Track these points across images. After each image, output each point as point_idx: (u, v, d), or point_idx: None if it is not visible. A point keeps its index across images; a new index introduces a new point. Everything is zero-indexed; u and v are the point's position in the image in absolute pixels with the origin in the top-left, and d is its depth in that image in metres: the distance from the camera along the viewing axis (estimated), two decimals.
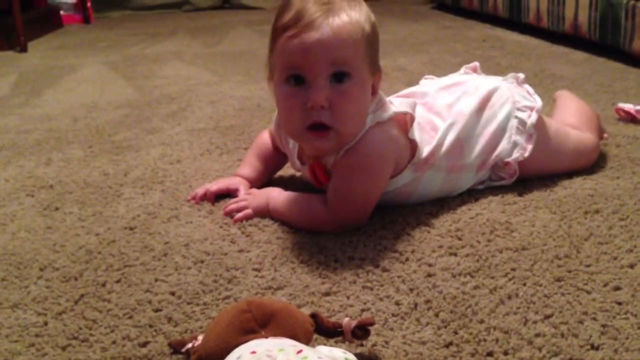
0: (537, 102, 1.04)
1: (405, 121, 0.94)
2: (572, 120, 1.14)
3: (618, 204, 0.95)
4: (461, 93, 1.03)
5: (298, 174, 1.09)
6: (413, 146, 0.94)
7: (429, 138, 0.97)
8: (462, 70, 1.14)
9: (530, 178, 1.04)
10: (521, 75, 1.08)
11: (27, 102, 1.81)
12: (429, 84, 1.09)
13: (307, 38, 0.83)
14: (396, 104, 0.94)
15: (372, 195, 0.92)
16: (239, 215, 0.97)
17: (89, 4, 3.54)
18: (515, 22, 2.52)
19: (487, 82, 1.06)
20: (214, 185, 1.05)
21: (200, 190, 1.05)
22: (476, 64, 1.15)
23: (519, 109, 1.02)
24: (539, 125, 1.03)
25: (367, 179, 0.90)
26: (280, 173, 1.13)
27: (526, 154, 1.01)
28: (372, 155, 0.89)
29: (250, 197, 0.99)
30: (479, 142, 1.00)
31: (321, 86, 0.84)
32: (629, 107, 1.34)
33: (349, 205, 0.90)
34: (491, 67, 1.90)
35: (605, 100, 1.49)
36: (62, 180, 1.18)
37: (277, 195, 0.97)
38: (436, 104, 1.01)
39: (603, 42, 1.93)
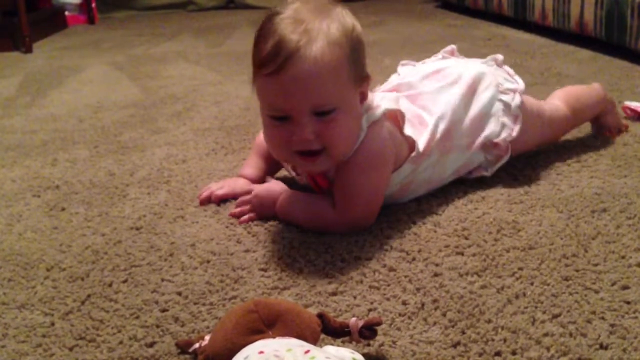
0: (520, 83, 1.06)
1: (397, 117, 0.95)
2: (559, 93, 1.19)
3: (625, 203, 0.95)
4: (445, 82, 1.04)
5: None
6: (410, 142, 0.95)
7: (418, 133, 0.97)
8: (440, 54, 1.15)
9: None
10: (500, 57, 1.10)
11: (32, 102, 1.81)
12: (410, 73, 1.09)
13: (285, 80, 0.81)
14: (378, 99, 0.94)
15: (379, 192, 0.92)
16: (244, 218, 0.97)
17: (93, 5, 3.55)
18: (520, 20, 2.51)
19: (469, 67, 1.06)
20: (219, 191, 1.04)
21: (205, 193, 1.05)
22: (453, 47, 1.16)
23: (502, 92, 1.04)
24: (523, 106, 1.05)
25: (372, 177, 0.90)
26: (282, 172, 1.12)
27: (514, 134, 1.03)
28: (374, 153, 0.90)
29: (255, 200, 0.98)
30: (465, 124, 1.02)
31: (305, 122, 0.83)
32: (635, 105, 1.34)
33: (357, 205, 0.90)
34: None
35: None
36: (68, 181, 1.18)
37: (283, 196, 0.97)
38: (421, 96, 1.02)
39: (609, 40, 1.92)
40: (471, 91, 1.03)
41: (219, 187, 1.05)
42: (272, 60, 0.81)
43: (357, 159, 0.89)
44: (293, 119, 0.84)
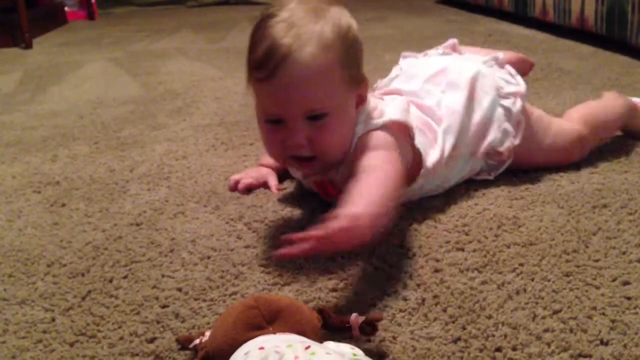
0: (521, 85, 1.03)
1: (405, 128, 0.91)
2: (574, 114, 1.12)
3: (626, 198, 0.95)
4: (445, 85, 1.01)
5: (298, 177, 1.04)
6: (418, 156, 0.92)
7: (430, 141, 0.95)
8: (441, 49, 1.12)
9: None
10: (500, 56, 1.07)
11: (32, 98, 1.81)
12: (412, 72, 1.06)
13: (277, 85, 0.81)
14: (384, 104, 0.92)
15: (397, 171, 0.83)
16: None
17: (93, 0, 3.54)
18: (521, 16, 2.51)
19: (467, 69, 1.03)
20: (246, 179, 1.04)
21: (231, 182, 1.05)
22: (454, 41, 1.12)
23: (502, 97, 1.01)
24: (529, 116, 1.03)
25: (383, 154, 0.84)
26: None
27: (517, 142, 1.00)
28: (378, 144, 0.85)
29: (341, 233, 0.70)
30: (468, 134, 0.99)
31: (298, 127, 0.83)
32: (636, 101, 1.33)
33: (380, 171, 0.81)
34: None
35: None
36: (68, 177, 1.18)
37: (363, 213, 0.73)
38: (425, 102, 1.00)
39: (610, 36, 1.92)
40: (472, 96, 1.00)
41: (244, 177, 1.05)
42: (264, 66, 0.81)
43: (357, 151, 0.86)
44: (287, 123, 0.83)
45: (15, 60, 2.44)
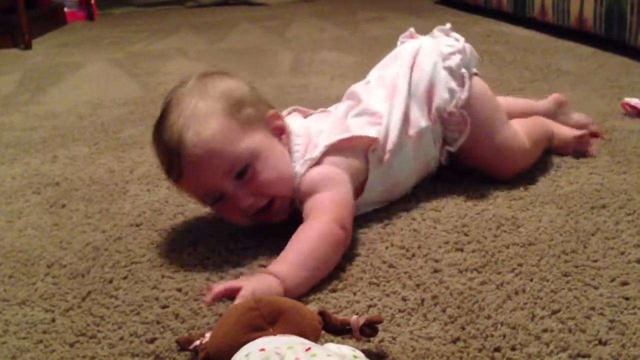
0: (460, 43, 1.03)
1: (348, 140, 0.91)
2: (518, 126, 1.08)
3: (625, 199, 0.95)
4: (390, 66, 1.03)
5: None
6: (367, 141, 0.92)
7: (377, 126, 0.95)
8: (400, 40, 1.12)
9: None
10: (447, 26, 1.07)
11: (32, 99, 1.81)
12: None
13: (189, 179, 0.85)
14: (323, 126, 0.94)
15: (344, 200, 0.87)
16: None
17: (92, 1, 3.54)
18: (519, 17, 2.51)
19: (411, 45, 1.05)
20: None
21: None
22: (411, 30, 1.12)
23: (445, 59, 1.00)
24: (480, 96, 1.01)
25: (325, 194, 0.86)
26: None
27: (464, 96, 0.98)
28: (315, 185, 0.87)
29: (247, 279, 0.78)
30: (417, 105, 0.98)
31: (235, 191, 0.84)
32: (635, 101, 1.34)
33: (329, 212, 0.84)
34: (495, 62, 1.89)
35: (611, 95, 1.48)
36: (68, 178, 1.18)
37: (282, 271, 0.76)
38: (371, 88, 1.01)
39: (609, 36, 1.92)
40: (413, 67, 1.00)
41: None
42: (170, 173, 0.87)
43: (300, 195, 0.88)
44: (224, 194, 0.85)
45: (15, 61, 2.45)
